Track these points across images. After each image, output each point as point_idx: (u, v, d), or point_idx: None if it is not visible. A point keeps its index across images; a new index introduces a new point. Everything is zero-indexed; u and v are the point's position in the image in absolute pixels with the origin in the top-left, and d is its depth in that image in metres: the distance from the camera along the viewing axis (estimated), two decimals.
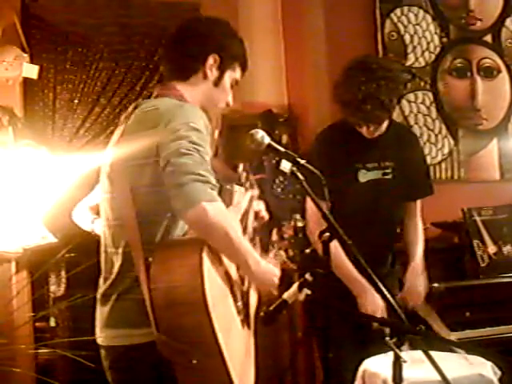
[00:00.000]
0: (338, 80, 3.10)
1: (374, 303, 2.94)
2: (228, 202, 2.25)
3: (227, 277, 2.08)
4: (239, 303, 2.15)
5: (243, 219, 2.37)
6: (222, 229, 1.94)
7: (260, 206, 2.52)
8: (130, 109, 2.21)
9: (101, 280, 2.17)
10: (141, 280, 1.94)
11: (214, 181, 1.96)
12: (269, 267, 2.11)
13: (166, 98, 2.19)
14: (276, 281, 2.11)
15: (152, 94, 2.34)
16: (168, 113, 2.06)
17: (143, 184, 2.04)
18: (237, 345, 2.06)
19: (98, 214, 2.34)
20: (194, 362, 1.88)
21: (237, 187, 2.39)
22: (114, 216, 2.13)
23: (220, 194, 2.02)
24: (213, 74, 2.27)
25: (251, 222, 2.45)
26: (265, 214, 2.53)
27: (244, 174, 2.51)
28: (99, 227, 2.30)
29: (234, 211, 2.32)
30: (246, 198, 2.48)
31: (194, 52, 2.26)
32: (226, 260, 2.08)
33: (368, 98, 2.94)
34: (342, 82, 3.07)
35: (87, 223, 2.40)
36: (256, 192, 2.53)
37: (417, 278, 3.20)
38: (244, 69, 2.37)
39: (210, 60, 2.25)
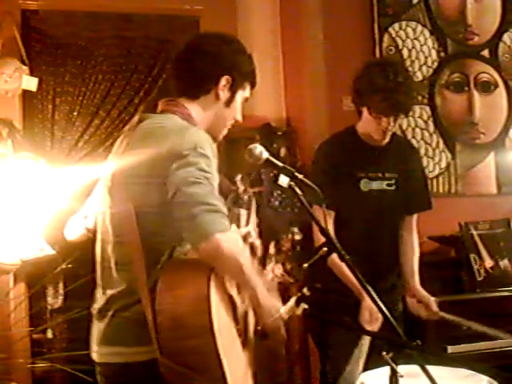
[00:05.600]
0: (359, 74, 3.13)
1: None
2: (236, 225, 2.24)
3: (231, 300, 2.05)
4: (240, 326, 2.11)
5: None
6: (236, 260, 1.92)
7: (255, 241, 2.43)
8: (135, 121, 2.16)
9: (98, 292, 2.13)
10: (143, 301, 1.90)
11: (224, 209, 1.93)
12: (274, 302, 2.07)
13: (172, 116, 2.14)
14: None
15: (156, 108, 2.25)
16: (174, 134, 2.02)
17: (148, 205, 1.99)
18: (238, 369, 2.03)
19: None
20: None
21: (243, 211, 2.38)
22: (114, 232, 2.08)
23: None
24: (225, 94, 2.22)
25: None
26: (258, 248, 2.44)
27: (242, 187, 2.52)
28: (92, 221, 2.26)
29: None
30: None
31: (206, 73, 2.20)
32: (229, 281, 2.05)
33: (399, 85, 3.00)
34: (369, 72, 3.10)
35: (80, 225, 2.34)
36: (254, 205, 2.52)
37: (423, 290, 3.25)
38: (253, 86, 2.33)
39: (223, 81, 2.20)
